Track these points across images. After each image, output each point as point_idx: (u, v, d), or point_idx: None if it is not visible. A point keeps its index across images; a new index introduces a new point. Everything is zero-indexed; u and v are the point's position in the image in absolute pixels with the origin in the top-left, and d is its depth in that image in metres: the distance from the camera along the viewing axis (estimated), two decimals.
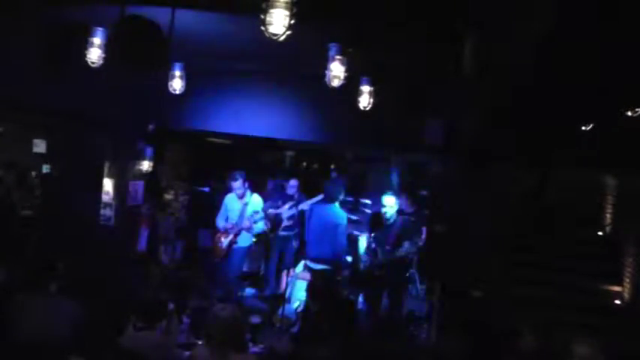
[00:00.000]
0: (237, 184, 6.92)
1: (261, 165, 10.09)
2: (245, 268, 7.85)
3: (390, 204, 6.24)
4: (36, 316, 4.01)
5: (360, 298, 6.90)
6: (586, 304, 6.54)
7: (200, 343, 4.08)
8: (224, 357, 3.41)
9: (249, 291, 7.85)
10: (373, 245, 6.33)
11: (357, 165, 10.48)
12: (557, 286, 6.73)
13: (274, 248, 8.10)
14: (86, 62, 4.42)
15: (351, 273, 6.76)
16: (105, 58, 4.43)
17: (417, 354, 5.15)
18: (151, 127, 7.99)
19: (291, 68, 6.00)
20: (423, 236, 6.66)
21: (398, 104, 5.89)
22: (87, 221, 6.77)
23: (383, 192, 6.47)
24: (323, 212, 6.50)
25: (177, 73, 5.13)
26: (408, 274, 6.68)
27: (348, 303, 6.16)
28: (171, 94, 5.12)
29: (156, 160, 8.66)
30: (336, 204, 6.53)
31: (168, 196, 8.90)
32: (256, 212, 6.95)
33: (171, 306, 4.21)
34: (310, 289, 5.59)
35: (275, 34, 3.08)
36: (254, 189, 7.31)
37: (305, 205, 7.04)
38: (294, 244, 7.88)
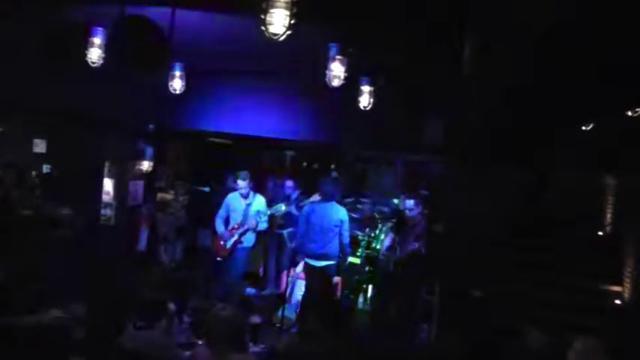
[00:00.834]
0: (244, 184, 6.93)
1: (261, 165, 10.08)
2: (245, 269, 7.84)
3: (411, 206, 6.48)
4: (36, 317, 4.01)
5: (360, 298, 6.92)
6: (586, 304, 6.54)
7: (200, 343, 4.07)
8: (224, 357, 3.41)
9: (249, 291, 7.86)
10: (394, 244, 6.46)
11: (357, 165, 10.49)
12: (557, 286, 6.73)
13: (271, 248, 8.10)
14: (86, 62, 4.43)
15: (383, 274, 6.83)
16: (105, 58, 4.43)
17: (418, 353, 5.16)
18: (150, 127, 8.00)
19: (291, 68, 6.00)
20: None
21: (398, 104, 5.90)
22: (87, 221, 6.77)
23: (383, 192, 6.51)
24: (322, 211, 6.51)
25: (177, 73, 5.13)
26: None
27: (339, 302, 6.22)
28: (172, 94, 5.13)
29: (156, 160, 8.66)
30: (334, 201, 6.56)
31: (168, 196, 8.89)
32: (261, 213, 6.95)
33: (172, 306, 4.22)
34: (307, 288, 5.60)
35: (275, 34, 3.08)
36: (254, 189, 7.31)
37: (303, 204, 7.03)
38: (291, 244, 7.87)
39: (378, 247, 7.30)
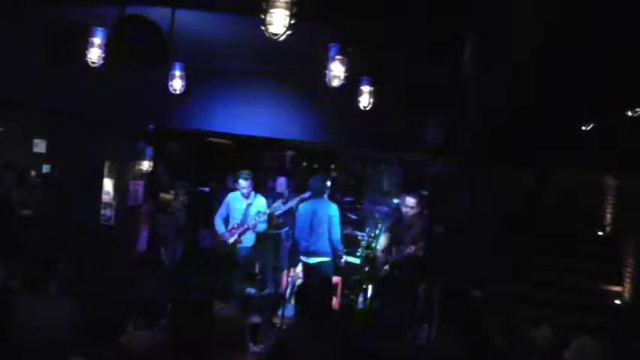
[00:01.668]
0: (246, 184, 6.92)
1: (261, 165, 10.08)
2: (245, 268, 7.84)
3: (411, 204, 6.35)
4: (35, 317, 4.00)
5: (360, 298, 6.91)
6: (586, 304, 6.54)
7: None
8: (224, 357, 3.41)
9: (249, 291, 7.85)
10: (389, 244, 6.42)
11: (357, 165, 10.47)
12: (557, 286, 6.73)
13: (268, 247, 8.11)
14: (86, 62, 4.43)
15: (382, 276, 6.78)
16: (105, 58, 4.44)
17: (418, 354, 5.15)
18: (151, 127, 8.00)
19: (291, 68, 5.99)
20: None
21: (398, 104, 5.89)
22: (87, 221, 6.77)
23: (384, 192, 6.50)
24: (312, 207, 6.49)
25: (178, 73, 5.15)
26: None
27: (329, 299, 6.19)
28: (172, 94, 5.13)
29: (156, 160, 8.66)
30: (325, 197, 6.55)
31: (168, 196, 8.89)
32: (262, 213, 6.94)
33: None
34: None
35: (275, 34, 3.08)
36: (254, 189, 7.30)
37: (293, 203, 7.03)
38: (287, 243, 7.86)
39: (377, 247, 7.30)
